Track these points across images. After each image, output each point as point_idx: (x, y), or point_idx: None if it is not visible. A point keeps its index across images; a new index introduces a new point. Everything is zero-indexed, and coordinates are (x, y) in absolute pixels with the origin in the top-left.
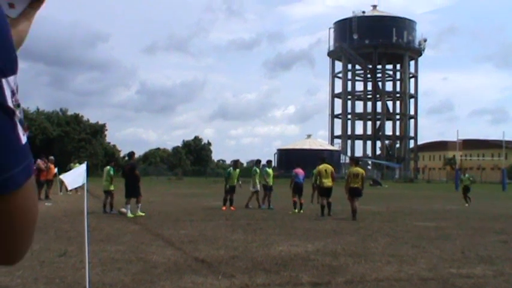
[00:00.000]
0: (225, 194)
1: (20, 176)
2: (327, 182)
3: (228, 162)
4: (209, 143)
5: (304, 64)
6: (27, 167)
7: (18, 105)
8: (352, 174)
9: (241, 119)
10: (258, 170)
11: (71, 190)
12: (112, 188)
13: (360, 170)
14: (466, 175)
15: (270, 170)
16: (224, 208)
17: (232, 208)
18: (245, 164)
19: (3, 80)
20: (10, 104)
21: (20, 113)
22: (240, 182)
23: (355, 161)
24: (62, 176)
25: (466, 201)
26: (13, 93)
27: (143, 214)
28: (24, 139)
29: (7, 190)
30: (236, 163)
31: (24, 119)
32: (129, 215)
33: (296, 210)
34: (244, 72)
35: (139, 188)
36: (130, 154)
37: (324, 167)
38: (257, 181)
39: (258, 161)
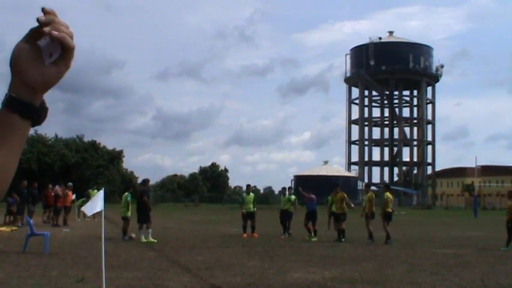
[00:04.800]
0: (244, 220)
1: None
2: (339, 209)
3: (244, 188)
4: (226, 170)
5: (319, 90)
6: None
7: None
8: (389, 199)
9: (257, 145)
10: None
11: (89, 216)
12: (129, 214)
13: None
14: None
15: (288, 198)
16: (245, 235)
17: (254, 235)
18: (262, 191)
19: None
20: None
21: None
22: (255, 209)
23: (386, 186)
24: (83, 208)
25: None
26: None
27: (155, 241)
28: None
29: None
30: (248, 187)
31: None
32: (143, 239)
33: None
34: (259, 98)
35: (148, 214)
36: (145, 181)
37: (341, 194)
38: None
39: (290, 188)
